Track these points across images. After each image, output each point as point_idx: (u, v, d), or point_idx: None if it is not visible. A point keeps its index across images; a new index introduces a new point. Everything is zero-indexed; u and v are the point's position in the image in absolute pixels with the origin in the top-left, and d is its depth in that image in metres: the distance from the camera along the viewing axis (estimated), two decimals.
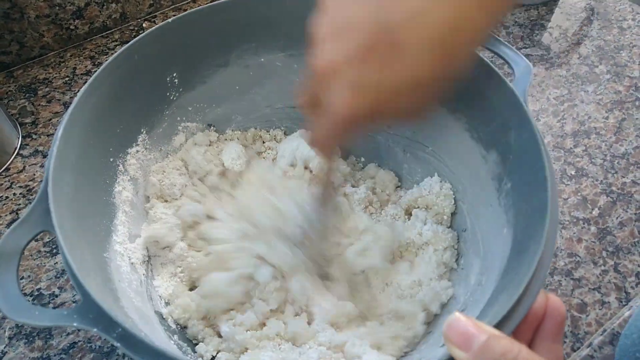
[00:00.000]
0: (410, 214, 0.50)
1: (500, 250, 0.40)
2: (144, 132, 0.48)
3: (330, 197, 0.48)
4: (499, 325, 0.29)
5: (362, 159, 0.56)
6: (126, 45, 0.44)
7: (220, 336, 0.43)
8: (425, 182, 0.51)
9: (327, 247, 0.47)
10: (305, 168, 0.53)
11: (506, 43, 0.45)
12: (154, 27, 0.45)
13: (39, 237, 0.50)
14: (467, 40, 0.32)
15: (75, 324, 0.30)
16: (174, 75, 0.49)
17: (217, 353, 0.42)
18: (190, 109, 0.52)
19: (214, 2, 0.48)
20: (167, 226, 0.47)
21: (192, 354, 0.42)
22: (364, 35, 0.31)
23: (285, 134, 0.57)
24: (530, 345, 0.31)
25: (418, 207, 0.50)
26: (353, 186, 0.53)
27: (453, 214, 0.49)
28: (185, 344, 0.42)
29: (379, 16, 0.31)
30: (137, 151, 0.48)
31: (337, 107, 0.33)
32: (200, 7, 0.47)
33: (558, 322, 0.30)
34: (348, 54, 0.32)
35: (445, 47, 0.31)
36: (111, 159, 0.45)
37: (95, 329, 0.30)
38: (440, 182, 0.50)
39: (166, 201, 0.50)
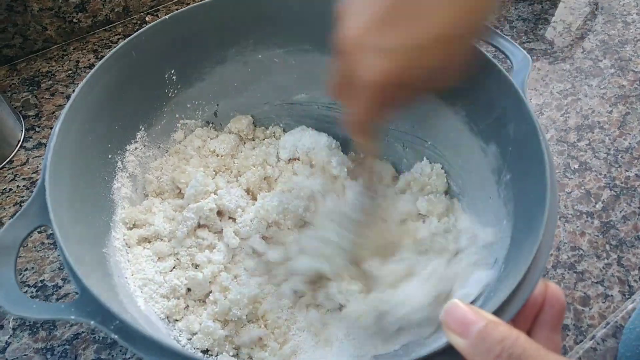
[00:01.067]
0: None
1: (499, 242, 0.40)
2: (143, 129, 0.48)
3: (374, 185, 0.47)
4: (497, 314, 0.29)
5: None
6: (123, 42, 0.43)
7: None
8: (416, 167, 0.51)
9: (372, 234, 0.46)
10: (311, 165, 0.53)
11: (504, 35, 0.45)
12: (151, 24, 0.45)
13: (42, 229, 0.50)
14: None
15: (72, 317, 0.30)
16: (172, 72, 0.49)
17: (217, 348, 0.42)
18: (188, 105, 0.52)
19: None
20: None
21: (191, 348, 0.42)
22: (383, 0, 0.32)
23: (285, 130, 0.57)
24: (529, 334, 0.31)
25: (411, 190, 0.50)
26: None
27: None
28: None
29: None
30: (136, 148, 0.47)
31: (368, 76, 0.34)
32: (199, 3, 0.47)
33: (557, 311, 0.30)
34: (370, 20, 0.32)
35: (463, 6, 0.32)
36: (110, 156, 0.45)
37: (92, 322, 0.30)
38: (430, 163, 0.50)
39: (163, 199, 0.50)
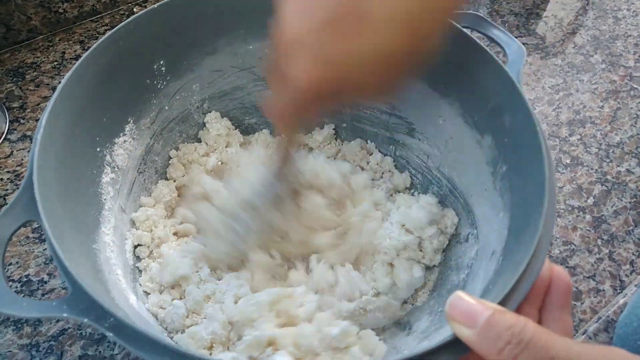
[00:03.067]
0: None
1: (496, 234, 0.39)
2: (131, 121, 0.47)
3: (287, 173, 0.46)
4: (502, 304, 0.29)
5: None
6: (111, 31, 0.42)
7: None
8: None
9: (277, 219, 0.46)
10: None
11: (498, 26, 0.45)
12: (140, 12, 0.44)
13: (27, 222, 0.49)
14: (437, 14, 0.32)
15: (65, 315, 0.29)
16: (161, 62, 0.48)
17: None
18: (178, 97, 0.51)
19: None
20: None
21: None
22: (330, 4, 0.30)
23: None
24: (539, 316, 0.31)
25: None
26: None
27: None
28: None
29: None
30: (125, 141, 0.46)
31: (298, 78, 0.32)
32: None
33: (563, 291, 0.30)
34: (312, 23, 0.31)
35: (414, 20, 0.31)
36: (98, 149, 0.43)
37: (86, 319, 0.29)
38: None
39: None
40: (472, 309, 0.26)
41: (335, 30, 0.31)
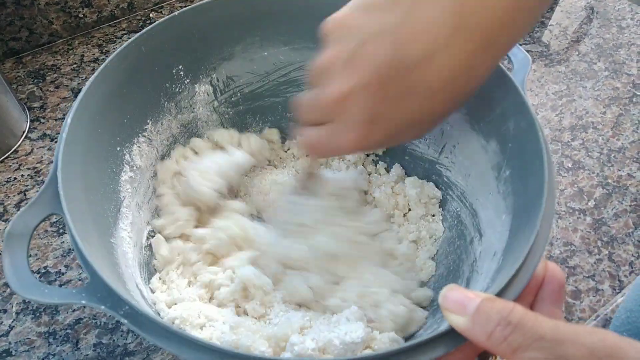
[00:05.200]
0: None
1: (498, 235, 0.41)
2: (150, 122, 0.49)
3: (311, 187, 0.49)
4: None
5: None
6: (134, 37, 0.44)
7: None
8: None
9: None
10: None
11: None
12: (161, 20, 0.46)
13: (50, 215, 0.51)
14: (476, 78, 0.33)
15: (83, 302, 0.31)
16: (180, 67, 0.50)
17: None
18: (195, 101, 0.53)
19: None
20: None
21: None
22: (380, 67, 0.31)
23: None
24: (531, 308, 0.32)
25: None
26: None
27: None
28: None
29: (395, 52, 0.31)
30: (143, 142, 0.48)
31: (347, 136, 0.34)
32: (205, 0, 0.48)
33: (555, 287, 0.32)
34: (363, 82, 0.32)
35: (456, 87, 0.32)
36: (118, 148, 0.45)
37: (103, 307, 0.31)
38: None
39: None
40: (463, 298, 0.27)
41: (385, 93, 0.32)
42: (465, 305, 0.27)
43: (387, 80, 0.32)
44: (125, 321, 0.30)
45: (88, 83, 0.41)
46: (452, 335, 0.29)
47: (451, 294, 0.28)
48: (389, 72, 0.31)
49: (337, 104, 0.34)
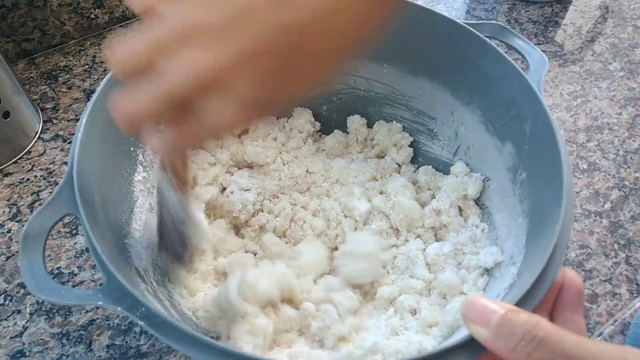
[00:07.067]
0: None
1: (514, 239, 0.40)
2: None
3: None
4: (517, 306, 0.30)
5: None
6: None
7: None
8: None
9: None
10: None
11: (520, 36, 0.46)
12: None
13: (66, 215, 0.51)
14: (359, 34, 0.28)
15: (100, 303, 0.31)
16: None
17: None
18: None
19: None
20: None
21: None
22: (261, 34, 0.26)
23: None
24: (551, 317, 0.31)
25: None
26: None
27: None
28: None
29: (276, 16, 0.25)
30: None
31: (218, 119, 0.28)
32: None
33: (574, 294, 0.31)
34: (237, 56, 0.26)
35: (346, 48, 0.28)
36: (131, 149, 0.45)
37: (119, 308, 0.30)
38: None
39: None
40: (486, 308, 0.27)
41: (264, 65, 0.26)
42: (488, 316, 0.26)
43: (269, 48, 0.26)
44: (142, 323, 0.30)
45: (102, 83, 0.40)
46: (472, 344, 0.28)
47: (474, 303, 0.28)
48: (274, 36, 0.26)
49: (208, 83, 0.27)
